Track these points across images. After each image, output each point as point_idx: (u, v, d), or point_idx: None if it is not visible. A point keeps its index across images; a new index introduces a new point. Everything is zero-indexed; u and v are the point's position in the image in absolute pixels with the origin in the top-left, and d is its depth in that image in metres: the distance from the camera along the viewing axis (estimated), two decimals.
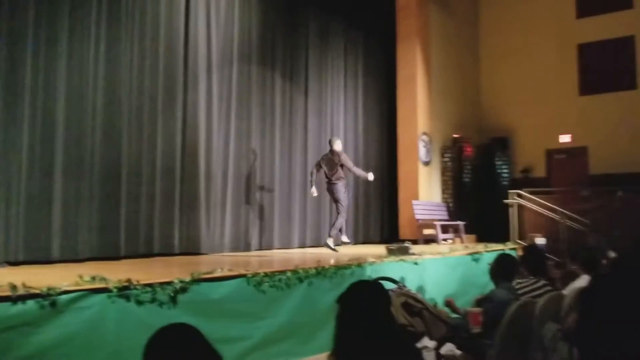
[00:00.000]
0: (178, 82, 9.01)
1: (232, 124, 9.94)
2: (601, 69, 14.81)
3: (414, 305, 4.81)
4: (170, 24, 8.97)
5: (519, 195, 12.73)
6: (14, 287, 3.73)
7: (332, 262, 6.55)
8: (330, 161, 9.54)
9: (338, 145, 9.66)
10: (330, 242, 9.32)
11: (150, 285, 4.39)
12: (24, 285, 3.80)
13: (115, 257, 7.73)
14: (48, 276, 5.18)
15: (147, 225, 8.41)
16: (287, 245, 10.86)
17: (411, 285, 6.66)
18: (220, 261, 7.17)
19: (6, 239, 6.73)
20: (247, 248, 10.05)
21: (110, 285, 4.15)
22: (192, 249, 8.93)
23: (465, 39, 16.27)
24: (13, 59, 6.95)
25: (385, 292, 2.74)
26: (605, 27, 14.68)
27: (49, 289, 3.84)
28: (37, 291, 3.80)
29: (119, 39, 8.17)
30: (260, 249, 10.27)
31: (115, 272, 4.92)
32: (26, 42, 7.07)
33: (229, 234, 9.75)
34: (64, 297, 3.91)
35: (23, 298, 3.75)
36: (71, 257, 7.24)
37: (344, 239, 9.70)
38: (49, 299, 3.82)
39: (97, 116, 7.80)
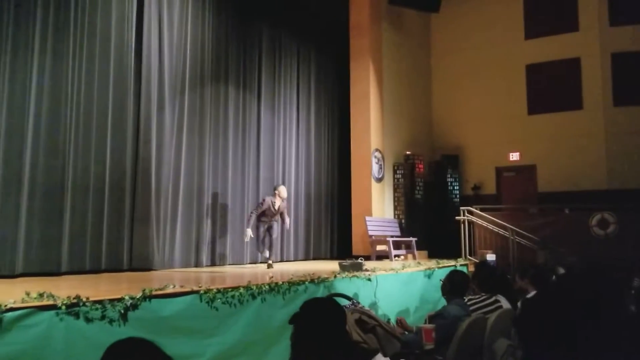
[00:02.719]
0: (128, 96, 8.86)
1: (184, 138, 9.83)
2: (549, 89, 15.24)
3: (368, 321, 4.78)
4: (120, 36, 8.83)
5: (470, 212, 12.91)
6: None
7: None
8: None
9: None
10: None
11: (100, 302, 4.26)
12: None
13: (56, 273, 7.53)
14: None
15: (95, 240, 8.21)
16: (239, 261, 10.77)
17: (364, 302, 6.66)
18: (171, 277, 7.05)
19: None
20: (199, 264, 9.93)
21: (59, 302, 4.01)
22: (141, 265, 8.75)
23: (418, 58, 16.54)
24: None
25: (340, 309, 2.72)
26: (552, 48, 15.16)
27: None
28: None
29: (66, 51, 8.01)
30: (211, 264, 10.15)
31: (60, 289, 4.79)
32: None
33: (180, 250, 9.60)
34: (10, 314, 3.75)
35: None
36: (8, 273, 7.04)
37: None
38: None
39: (40, 129, 7.62)
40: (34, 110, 7.56)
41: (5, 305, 3.75)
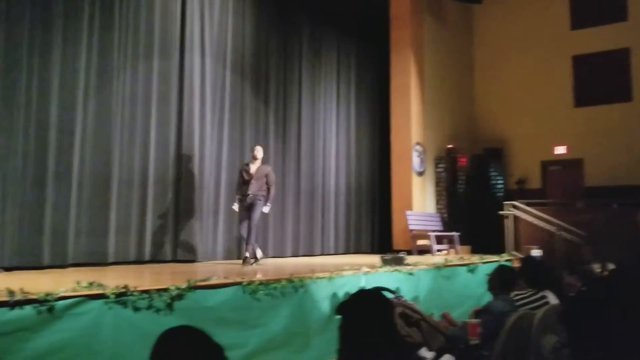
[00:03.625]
0: (172, 91, 9.07)
1: (225, 132, 9.98)
2: (596, 80, 14.82)
3: (412, 315, 4.77)
4: (164, 34, 9.03)
5: (515, 207, 12.71)
6: (11, 293, 3.69)
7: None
8: None
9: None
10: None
11: (147, 291, 4.35)
12: (22, 291, 3.77)
13: (103, 263, 7.74)
14: (43, 281, 5.15)
15: (139, 231, 8.44)
16: (280, 254, 10.83)
17: (406, 296, 6.63)
18: (214, 269, 7.14)
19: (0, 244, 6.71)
20: (241, 256, 9.99)
21: (108, 292, 4.11)
22: (184, 257, 8.92)
23: (459, 50, 16.29)
24: (8, 66, 6.99)
25: (388, 301, 2.70)
26: (599, 39, 14.70)
27: (47, 294, 3.80)
28: (35, 297, 3.76)
29: (112, 47, 8.23)
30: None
31: (108, 278, 4.90)
32: (21, 50, 7.10)
33: (222, 242, 9.74)
34: (62, 302, 3.88)
35: (20, 303, 3.71)
36: (60, 263, 7.26)
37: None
38: (47, 305, 3.78)
39: (88, 123, 7.85)
40: (82, 106, 7.78)
41: (57, 294, 3.86)
